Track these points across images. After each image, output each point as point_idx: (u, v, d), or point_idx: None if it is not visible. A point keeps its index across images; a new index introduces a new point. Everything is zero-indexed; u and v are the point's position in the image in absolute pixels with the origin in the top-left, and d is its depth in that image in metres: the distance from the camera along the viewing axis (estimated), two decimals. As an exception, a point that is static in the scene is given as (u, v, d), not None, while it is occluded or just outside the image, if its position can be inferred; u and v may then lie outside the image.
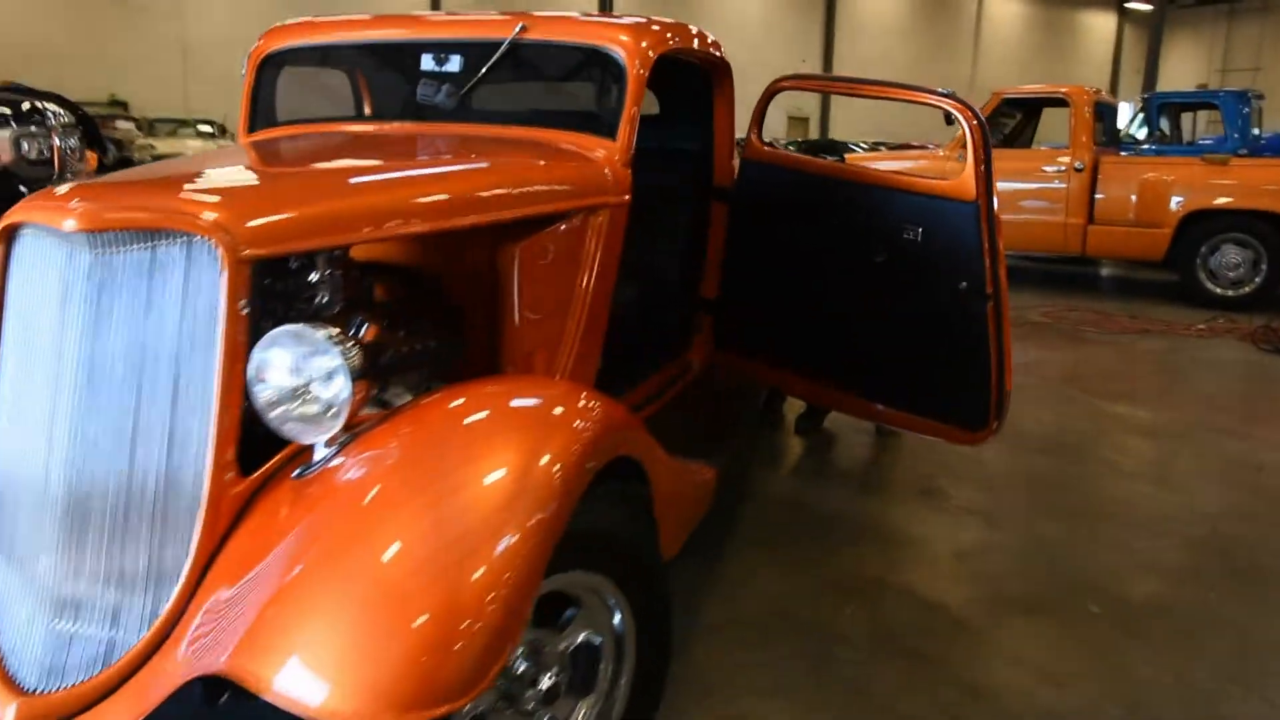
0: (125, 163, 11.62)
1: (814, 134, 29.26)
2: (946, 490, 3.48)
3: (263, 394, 1.40)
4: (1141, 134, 9.03)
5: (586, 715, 1.66)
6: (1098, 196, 7.78)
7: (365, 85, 2.94)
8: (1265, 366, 5.78)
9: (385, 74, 2.84)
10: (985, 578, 2.80)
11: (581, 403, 1.55)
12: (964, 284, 2.76)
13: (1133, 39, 35.09)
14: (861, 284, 3.00)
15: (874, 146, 17.05)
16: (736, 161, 3.30)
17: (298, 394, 1.40)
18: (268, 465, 1.49)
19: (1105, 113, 8.27)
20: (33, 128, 5.38)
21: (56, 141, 5.47)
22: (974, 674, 2.28)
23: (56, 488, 1.41)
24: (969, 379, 2.82)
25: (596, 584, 1.57)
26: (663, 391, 3.05)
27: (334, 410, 1.39)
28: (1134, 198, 7.67)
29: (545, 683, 1.52)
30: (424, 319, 2.00)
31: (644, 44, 2.45)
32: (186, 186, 1.53)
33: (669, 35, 2.62)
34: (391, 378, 1.88)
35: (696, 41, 2.90)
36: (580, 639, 1.60)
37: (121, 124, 17.42)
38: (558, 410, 1.51)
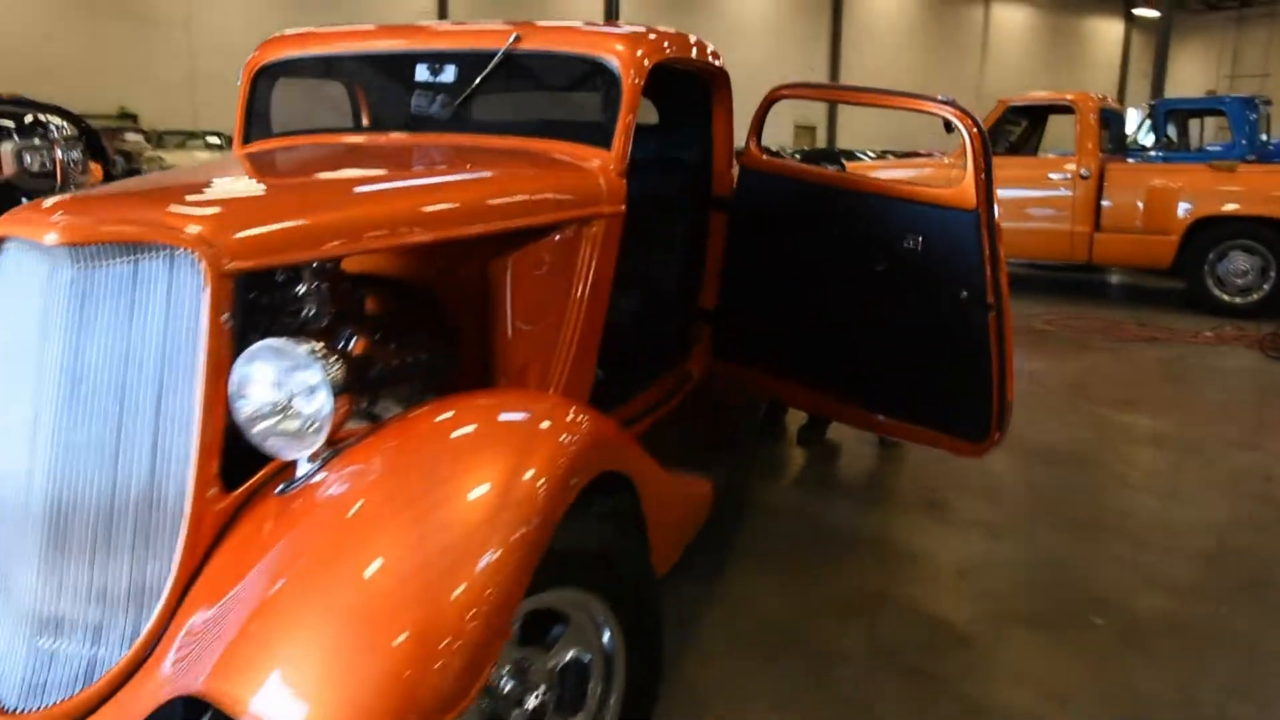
0: (133, 174, 11.70)
1: (821, 143, 29.26)
2: (950, 502, 3.45)
3: (244, 409, 1.39)
4: (1148, 140, 8.98)
5: (576, 734, 1.63)
6: (1104, 204, 7.73)
7: (362, 96, 2.94)
8: (1274, 375, 5.72)
9: (381, 85, 2.84)
10: (988, 592, 2.76)
11: (568, 417, 1.53)
12: (965, 293, 2.74)
13: (1141, 45, 34.98)
14: (861, 294, 2.97)
15: (881, 155, 17.03)
16: (736, 170, 3.29)
17: (280, 409, 1.39)
18: (252, 481, 1.48)
19: (1111, 119, 8.22)
20: (35, 140, 5.41)
21: (59, 154, 5.50)
22: (975, 691, 2.25)
23: (39, 503, 1.40)
24: (970, 389, 2.79)
25: (585, 601, 1.55)
26: (662, 402, 3.02)
27: (315, 425, 1.38)
28: (1141, 205, 7.62)
29: (532, 702, 1.50)
30: (416, 331, 1.99)
31: (639, 53, 2.44)
32: (170, 199, 1.53)
33: (665, 44, 2.61)
34: (382, 391, 1.86)
35: (695, 50, 2.88)
36: (568, 657, 1.57)
37: (131, 136, 17.59)
38: (543, 425, 1.49)
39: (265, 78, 2.76)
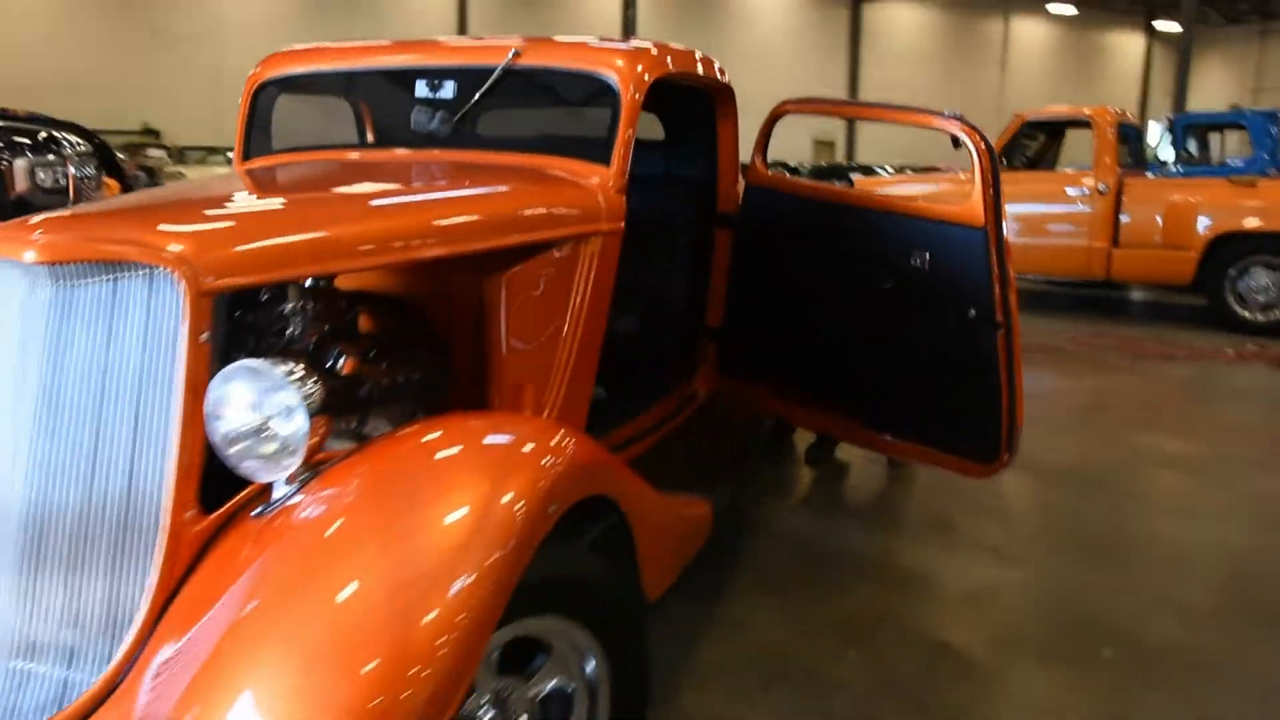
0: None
1: (840, 158, 29.21)
2: (960, 525, 3.38)
3: (220, 429, 1.36)
4: (1168, 155, 8.87)
5: (559, 764, 1.59)
6: (1123, 219, 7.63)
7: (366, 111, 2.93)
8: (1297, 394, 5.61)
9: (382, 100, 2.83)
10: (995, 619, 2.69)
11: (552, 440, 1.50)
12: (973, 311, 2.69)
13: (1162, 59, 34.70)
14: (868, 311, 2.93)
15: (900, 169, 16.97)
16: (742, 187, 3.26)
17: (257, 430, 1.36)
18: (231, 503, 1.45)
19: (1130, 134, 8.13)
20: (49, 156, 5.47)
21: (72, 170, 5.55)
22: (980, 720, 2.18)
23: (14, 523, 1.38)
24: (979, 409, 2.74)
25: (567, 629, 1.51)
26: (666, 420, 2.99)
27: (290, 448, 1.35)
28: (1160, 220, 7.51)
29: (512, 731, 1.46)
30: (409, 349, 1.96)
31: (639, 68, 2.41)
32: (152, 218, 1.51)
33: (668, 59, 2.59)
34: (371, 410, 1.84)
35: (700, 66, 2.86)
36: (550, 686, 1.53)
37: (153, 152, 17.81)
38: (525, 448, 1.46)
39: (266, 94, 2.76)
